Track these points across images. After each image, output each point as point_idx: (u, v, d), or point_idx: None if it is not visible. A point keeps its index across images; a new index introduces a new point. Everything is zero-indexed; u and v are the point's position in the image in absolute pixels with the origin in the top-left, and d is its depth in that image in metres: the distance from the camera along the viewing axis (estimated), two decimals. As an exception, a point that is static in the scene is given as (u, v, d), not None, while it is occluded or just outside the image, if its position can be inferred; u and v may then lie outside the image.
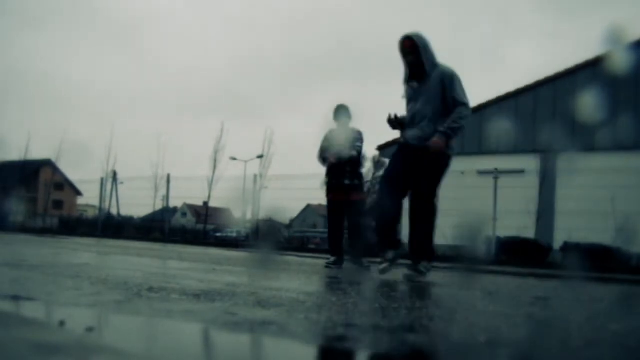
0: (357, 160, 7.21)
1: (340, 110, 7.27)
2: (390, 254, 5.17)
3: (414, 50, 5.05)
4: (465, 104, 5.02)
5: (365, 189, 8.17)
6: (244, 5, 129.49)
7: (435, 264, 5.49)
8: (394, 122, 5.27)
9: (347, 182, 7.10)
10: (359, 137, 7.21)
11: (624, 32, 13.30)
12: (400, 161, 5.25)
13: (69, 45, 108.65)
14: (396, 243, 5.25)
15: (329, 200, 7.34)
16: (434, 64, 5.09)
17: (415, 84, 5.15)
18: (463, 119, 4.99)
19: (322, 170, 7.46)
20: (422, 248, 5.08)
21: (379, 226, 5.35)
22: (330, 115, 7.33)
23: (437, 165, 5.05)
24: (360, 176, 7.34)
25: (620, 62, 14.61)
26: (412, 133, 5.14)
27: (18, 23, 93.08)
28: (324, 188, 7.38)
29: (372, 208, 5.43)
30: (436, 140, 4.94)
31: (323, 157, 7.30)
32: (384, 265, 5.21)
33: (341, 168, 7.11)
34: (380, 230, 5.33)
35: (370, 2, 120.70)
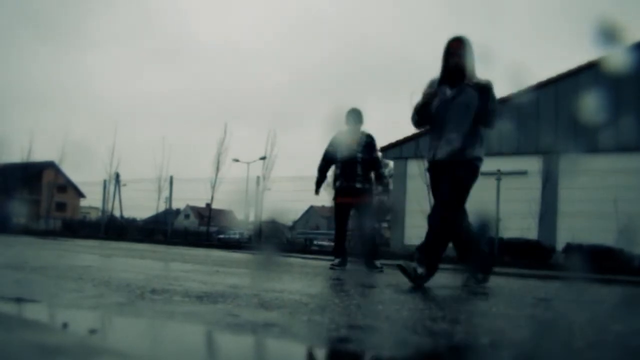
0: (368, 163, 7.20)
1: (352, 114, 7.29)
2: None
3: (460, 54, 4.84)
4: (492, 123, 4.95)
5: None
6: (249, 8, 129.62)
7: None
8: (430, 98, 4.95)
9: (358, 185, 7.10)
10: (369, 141, 7.22)
11: (626, 33, 13.28)
12: (435, 181, 5.03)
13: (73, 46, 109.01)
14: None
15: (337, 203, 7.34)
16: (473, 74, 4.86)
17: (449, 92, 4.90)
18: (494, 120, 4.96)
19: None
20: (433, 258, 4.75)
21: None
22: (342, 118, 7.34)
23: (464, 175, 4.84)
24: (370, 180, 7.30)
25: (623, 63, 14.60)
26: (441, 145, 4.88)
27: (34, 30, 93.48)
28: (330, 190, 7.41)
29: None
30: None
31: (326, 160, 7.32)
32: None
33: (352, 171, 7.12)
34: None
35: (381, 11, 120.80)
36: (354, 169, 7.10)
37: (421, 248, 4.79)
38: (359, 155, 7.11)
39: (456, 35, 4.94)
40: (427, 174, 5.23)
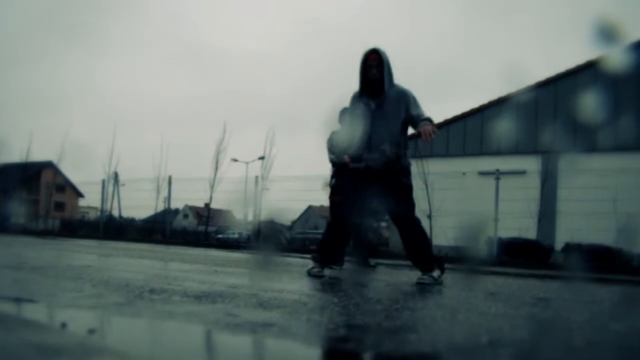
0: None
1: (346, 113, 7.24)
2: (318, 265, 5.13)
3: (379, 65, 4.90)
4: (431, 119, 4.89)
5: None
6: (249, 9, 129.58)
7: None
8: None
9: None
10: None
11: (625, 32, 13.29)
12: (360, 186, 5.04)
13: (73, 47, 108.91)
14: (332, 258, 5.60)
15: (333, 201, 7.31)
16: (392, 84, 4.96)
17: (372, 103, 4.96)
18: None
19: (323, 171, 7.46)
20: (428, 261, 4.92)
21: (330, 242, 5.38)
22: (335, 118, 7.28)
23: (408, 186, 5.02)
24: None
25: (622, 62, 14.61)
26: (374, 157, 4.93)
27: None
28: (327, 189, 7.37)
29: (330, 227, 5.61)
30: (427, 128, 4.73)
31: (332, 158, 7.29)
32: (315, 270, 5.12)
33: None
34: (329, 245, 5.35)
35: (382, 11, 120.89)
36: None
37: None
38: None
39: (372, 47, 4.97)
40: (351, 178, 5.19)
